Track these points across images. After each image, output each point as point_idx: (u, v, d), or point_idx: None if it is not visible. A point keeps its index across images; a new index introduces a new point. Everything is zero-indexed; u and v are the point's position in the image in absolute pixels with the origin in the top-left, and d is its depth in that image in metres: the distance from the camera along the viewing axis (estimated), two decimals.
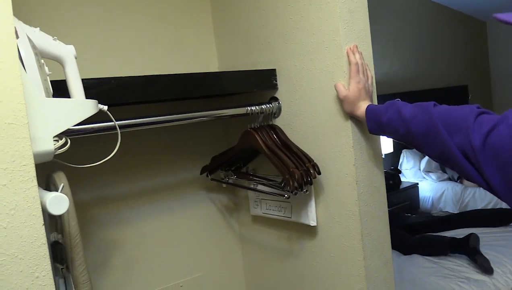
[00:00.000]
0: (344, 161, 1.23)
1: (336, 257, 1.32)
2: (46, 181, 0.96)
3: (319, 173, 1.28)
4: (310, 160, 1.28)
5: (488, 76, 5.53)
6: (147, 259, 1.50)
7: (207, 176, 1.56)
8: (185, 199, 1.59)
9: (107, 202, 1.42)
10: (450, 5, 4.90)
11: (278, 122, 1.43)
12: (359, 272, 1.26)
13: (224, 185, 1.58)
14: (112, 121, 1.03)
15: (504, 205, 3.32)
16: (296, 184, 1.22)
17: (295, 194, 1.25)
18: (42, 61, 0.90)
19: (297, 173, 1.22)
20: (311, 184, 1.27)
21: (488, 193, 3.68)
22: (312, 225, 1.35)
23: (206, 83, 1.27)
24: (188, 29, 1.59)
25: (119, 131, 1.02)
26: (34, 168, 0.77)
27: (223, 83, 1.32)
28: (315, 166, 1.27)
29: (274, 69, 1.40)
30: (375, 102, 1.24)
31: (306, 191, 1.27)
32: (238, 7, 1.52)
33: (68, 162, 0.96)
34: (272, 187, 1.37)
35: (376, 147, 1.28)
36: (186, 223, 1.60)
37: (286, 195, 1.30)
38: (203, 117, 1.31)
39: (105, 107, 0.98)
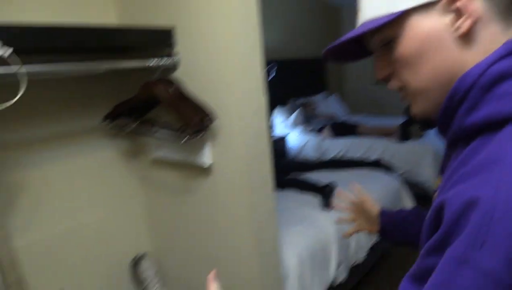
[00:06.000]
0: (236, 111, 1.25)
1: (228, 192, 1.35)
2: None
3: (213, 121, 1.28)
4: (205, 109, 1.28)
5: None
6: (51, 201, 1.39)
7: (109, 123, 1.46)
8: (88, 145, 1.50)
9: (11, 147, 1.27)
10: None
11: (178, 75, 1.38)
12: (247, 203, 1.31)
13: (125, 132, 1.50)
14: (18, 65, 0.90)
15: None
16: (193, 130, 1.21)
17: (192, 138, 1.24)
18: None
19: (194, 119, 1.21)
20: (206, 130, 1.26)
21: (339, 144, 4.07)
22: (206, 166, 1.36)
23: (107, 36, 1.16)
24: None
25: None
26: None
27: (122, 37, 1.22)
28: (209, 114, 1.27)
29: (173, 26, 1.34)
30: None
31: (202, 136, 1.27)
32: None
33: None
34: (171, 133, 1.34)
35: (262, 102, 1.32)
36: (89, 166, 1.51)
37: (183, 140, 1.28)
38: (103, 67, 1.20)
39: (9, 51, 0.85)
